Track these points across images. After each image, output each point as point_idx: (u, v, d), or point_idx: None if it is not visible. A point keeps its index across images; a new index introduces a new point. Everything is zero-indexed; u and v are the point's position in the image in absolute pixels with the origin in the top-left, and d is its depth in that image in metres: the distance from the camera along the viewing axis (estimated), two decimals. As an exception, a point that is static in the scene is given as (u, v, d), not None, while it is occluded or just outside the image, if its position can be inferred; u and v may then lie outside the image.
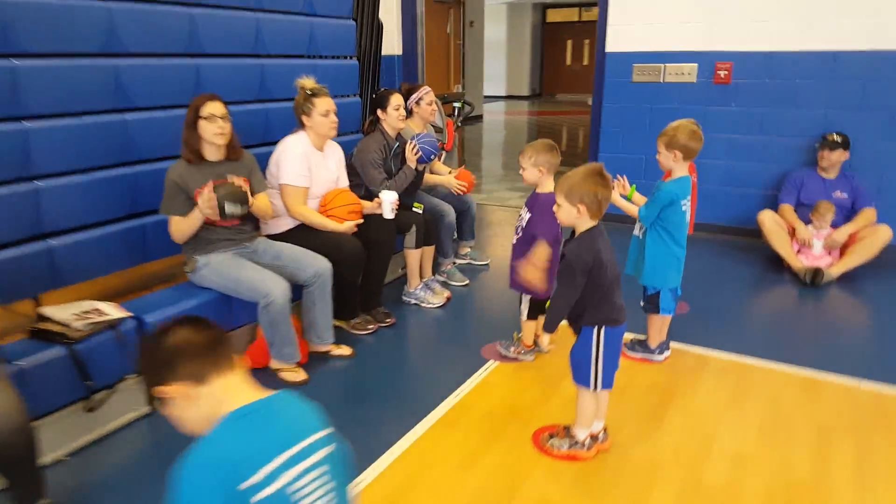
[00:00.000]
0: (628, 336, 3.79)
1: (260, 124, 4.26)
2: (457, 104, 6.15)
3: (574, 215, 2.52)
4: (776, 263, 5.17)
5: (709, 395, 3.30)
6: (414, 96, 4.73)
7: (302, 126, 3.85)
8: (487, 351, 3.74)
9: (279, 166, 3.77)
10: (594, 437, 2.77)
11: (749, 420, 3.06)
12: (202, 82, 3.82)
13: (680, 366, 3.60)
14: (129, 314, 2.98)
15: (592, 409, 2.71)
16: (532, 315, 3.60)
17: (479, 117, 16.11)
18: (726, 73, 5.75)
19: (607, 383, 2.64)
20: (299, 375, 3.43)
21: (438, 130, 5.74)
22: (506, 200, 7.52)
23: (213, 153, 3.34)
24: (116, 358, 2.89)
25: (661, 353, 3.64)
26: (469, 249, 5.34)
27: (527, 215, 3.40)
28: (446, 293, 4.55)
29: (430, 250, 4.55)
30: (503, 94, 21.07)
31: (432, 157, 4.37)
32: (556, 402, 3.19)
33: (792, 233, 5.14)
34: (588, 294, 2.53)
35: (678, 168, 3.37)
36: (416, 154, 4.25)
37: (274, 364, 3.45)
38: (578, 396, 2.71)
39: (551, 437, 2.81)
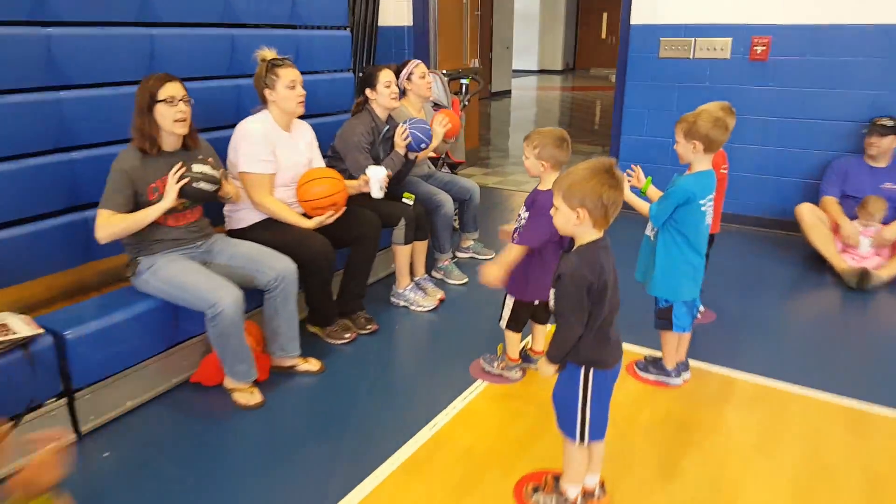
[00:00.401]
0: (642, 352, 3.30)
1: (230, 103, 3.79)
2: (464, 80, 5.60)
3: (573, 221, 1.98)
4: (817, 263, 4.59)
5: (734, 431, 2.78)
6: (404, 72, 4.24)
7: (264, 103, 3.40)
8: (475, 368, 3.25)
9: (237, 152, 3.31)
10: (588, 494, 2.28)
11: (783, 466, 2.54)
12: (158, 56, 3.36)
13: (701, 392, 3.08)
14: (41, 331, 2.53)
15: (583, 461, 2.21)
16: (516, 326, 3.10)
17: (507, 92, 15.51)
18: (764, 48, 5.13)
19: (596, 434, 2.13)
20: (254, 398, 2.98)
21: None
22: (522, 184, 6.99)
23: (171, 142, 2.91)
24: (24, 383, 2.45)
25: (678, 375, 3.12)
26: (472, 242, 4.83)
27: (525, 214, 2.89)
28: (439, 294, 4.06)
29: (422, 246, 4.07)
30: (535, 68, 20.34)
31: (423, 145, 3.86)
32: (549, 438, 2.67)
33: (835, 229, 4.56)
34: None
35: (699, 161, 2.84)
36: (405, 139, 3.77)
37: (227, 383, 3.00)
38: (565, 447, 2.21)
39: (536, 490, 2.32)
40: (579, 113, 13.12)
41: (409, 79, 4.27)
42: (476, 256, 4.79)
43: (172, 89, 2.80)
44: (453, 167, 5.52)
